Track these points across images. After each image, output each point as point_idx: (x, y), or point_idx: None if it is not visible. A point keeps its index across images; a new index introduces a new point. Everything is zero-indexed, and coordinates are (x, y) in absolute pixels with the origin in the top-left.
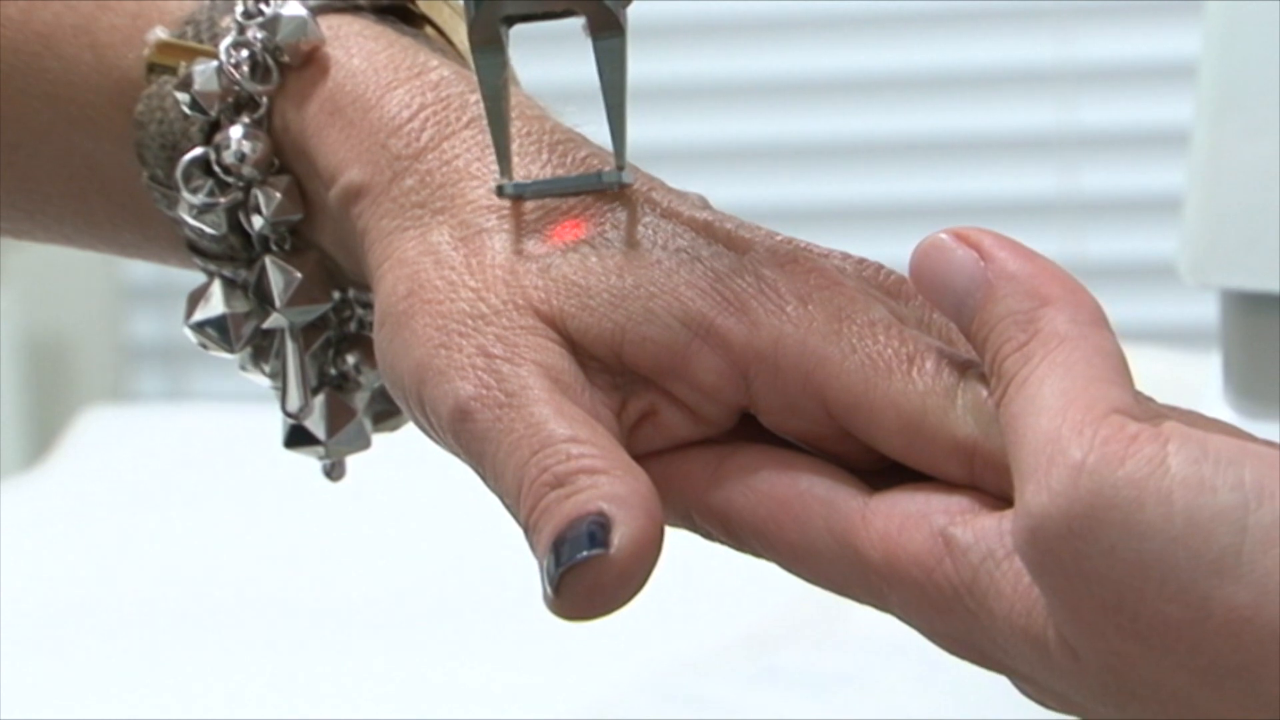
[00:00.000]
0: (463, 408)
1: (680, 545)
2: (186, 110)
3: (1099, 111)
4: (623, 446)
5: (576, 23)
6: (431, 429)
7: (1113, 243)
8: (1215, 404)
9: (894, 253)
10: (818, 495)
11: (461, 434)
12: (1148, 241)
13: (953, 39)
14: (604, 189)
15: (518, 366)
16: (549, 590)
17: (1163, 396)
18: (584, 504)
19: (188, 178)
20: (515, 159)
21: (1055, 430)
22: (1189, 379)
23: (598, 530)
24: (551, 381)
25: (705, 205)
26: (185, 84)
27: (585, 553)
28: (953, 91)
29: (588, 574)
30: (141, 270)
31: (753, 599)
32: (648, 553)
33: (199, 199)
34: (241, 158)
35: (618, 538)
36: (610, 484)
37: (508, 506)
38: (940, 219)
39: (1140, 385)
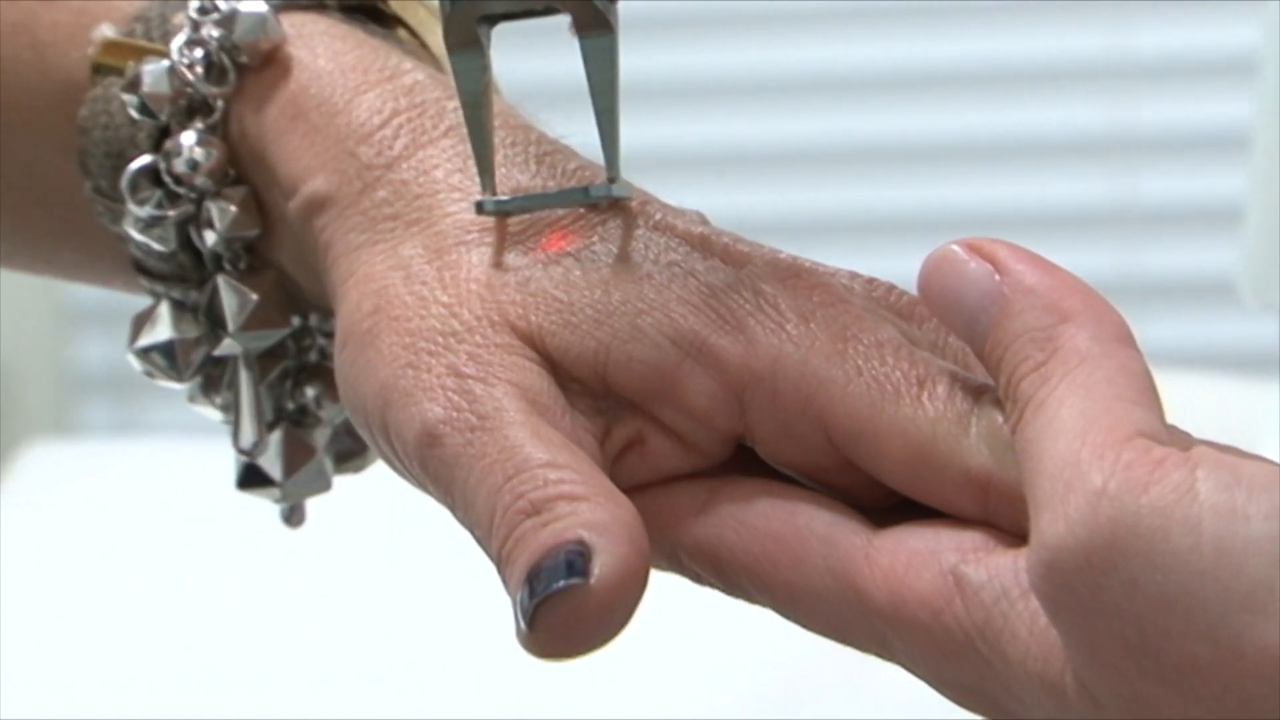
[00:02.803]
0: (431, 431)
1: (680, 594)
2: (134, 114)
3: (1154, 111)
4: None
5: (562, 19)
6: (396, 457)
7: (1166, 257)
8: (1276, 435)
9: (915, 271)
10: (817, 532)
11: (429, 460)
12: (1204, 256)
13: (988, 30)
14: (593, 204)
15: (491, 387)
16: (522, 624)
17: (1219, 426)
18: (562, 532)
19: (134, 188)
20: (498, 172)
21: (1074, 454)
22: (1247, 408)
23: (576, 559)
24: (528, 403)
25: (703, 221)
26: (133, 86)
27: (562, 582)
28: (987, 89)
29: (564, 605)
30: (87, 293)
31: (760, 654)
32: (631, 584)
33: (146, 211)
34: (194, 166)
35: (598, 567)
36: (591, 511)
37: (479, 539)
38: (971, 232)
39: (1194, 414)
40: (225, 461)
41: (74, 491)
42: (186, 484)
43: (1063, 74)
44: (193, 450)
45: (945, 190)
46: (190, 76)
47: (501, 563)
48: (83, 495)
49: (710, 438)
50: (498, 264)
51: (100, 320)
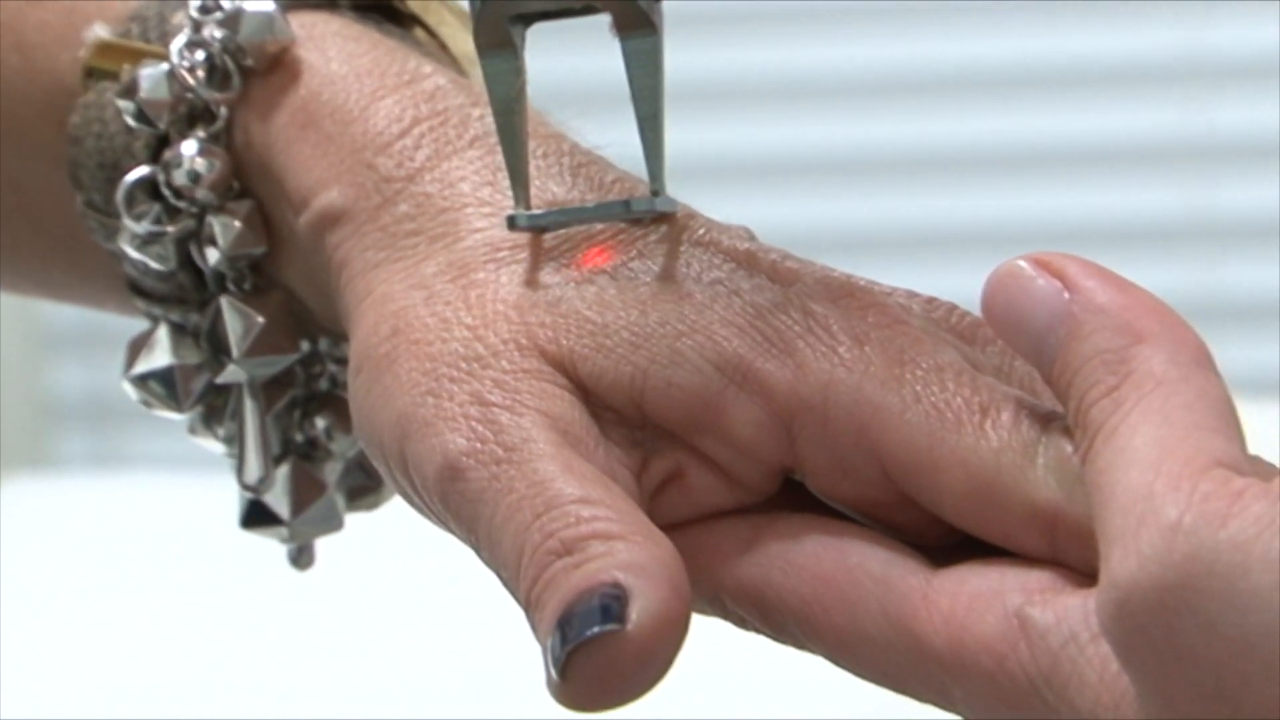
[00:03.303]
0: (453, 464)
1: (723, 639)
2: (130, 122)
3: (1232, 114)
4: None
5: (601, 19)
6: (415, 493)
7: (1247, 273)
8: None
9: (979, 290)
10: (871, 572)
11: (451, 496)
12: None
13: (1053, 29)
14: (633, 218)
15: (519, 416)
16: (553, 674)
17: None
18: (596, 574)
19: (130, 202)
20: (533, 185)
21: (1147, 486)
22: None
23: (612, 604)
24: (559, 434)
25: (750, 237)
26: (129, 91)
27: (597, 628)
28: (1055, 91)
29: (599, 653)
30: (66, 315)
31: (811, 705)
32: (671, 631)
33: (143, 227)
34: (195, 178)
35: (636, 612)
36: (628, 551)
37: (505, 582)
38: (1038, 246)
39: (1277, 443)
40: (217, 497)
41: (52, 529)
42: (173, 521)
43: (1134, 75)
44: (180, 485)
45: (1011, 201)
46: (191, 81)
47: (530, 607)
48: (61, 533)
49: (756, 470)
50: (528, 283)
51: (79, 345)
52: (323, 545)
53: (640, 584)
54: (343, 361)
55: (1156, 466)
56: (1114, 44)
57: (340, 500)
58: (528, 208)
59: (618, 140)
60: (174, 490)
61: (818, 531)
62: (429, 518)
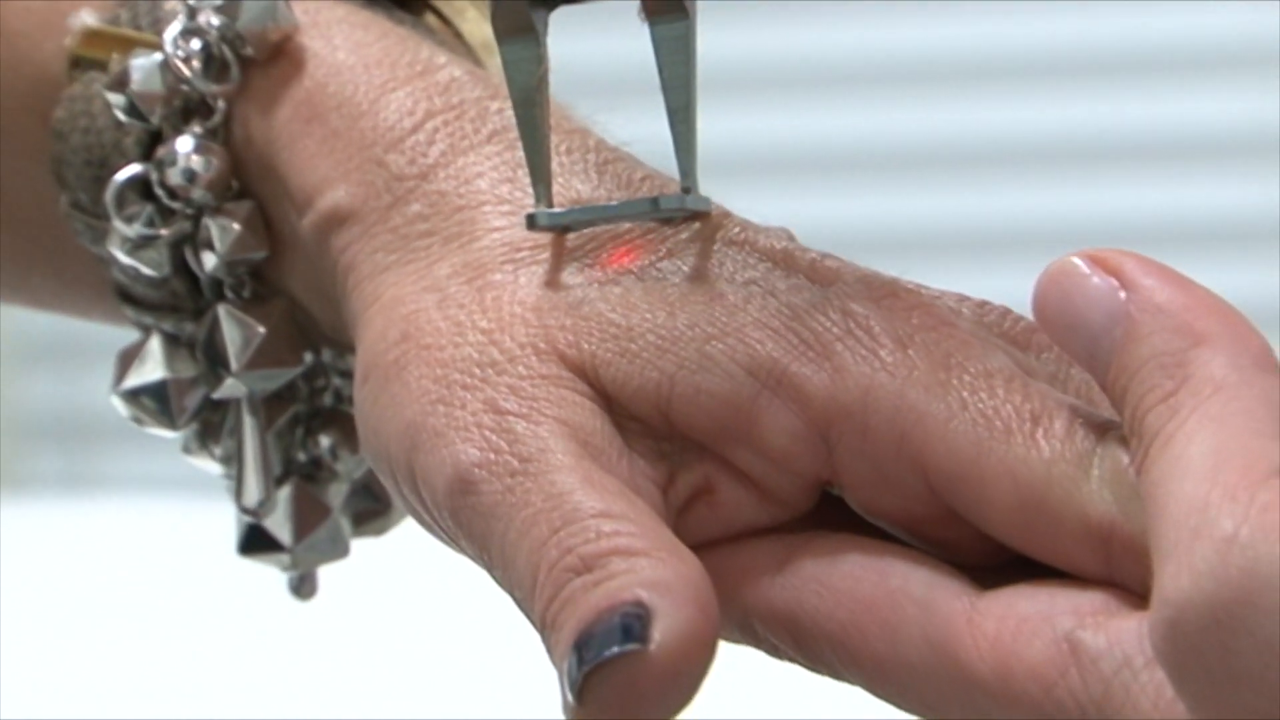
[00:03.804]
0: (464, 476)
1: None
2: (120, 116)
3: None
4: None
5: (629, 3)
6: (425, 509)
7: None
8: None
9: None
10: (912, 595)
11: (462, 510)
12: None
13: (1126, 6)
14: (662, 217)
15: (536, 425)
16: (569, 698)
17: None
18: (616, 592)
19: (120, 203)
20: (554, 182)
21: (1202, 497)
22: None
23: (634, 623)
24: (579, 444)
25: (789, 238)
26: (119, 83)
27: (616, 648)
28: (1125, 77)
29: (619, 675)
30: (36, 324)
31: None
32: (698, 652)
33: (134, 230)
34: (191, 177)
35: (659, 631)
36: (652, 568)
37: (519, 603)
38: (1101, 246)
39: None
40: (205, 522)
41: (18, 557)
42: (155, 549)
43: (1218, 58)
44: (163, 509)
45: (1074, 197)
46: (186, 72)
47: (546, 628)
48: (31, 559)
49: (790, 484)
50: (548, 285)
51: (51, 358)
52: (326, 573)
53: (665, 603)
54: (348, 375)
55: (1212, 476)
56: (1187, 27)
57: (346, 525)
58: (549, 206)
59: (647, 135)
60: (156, 515)
61: (856, 551)
62: (439, 536)
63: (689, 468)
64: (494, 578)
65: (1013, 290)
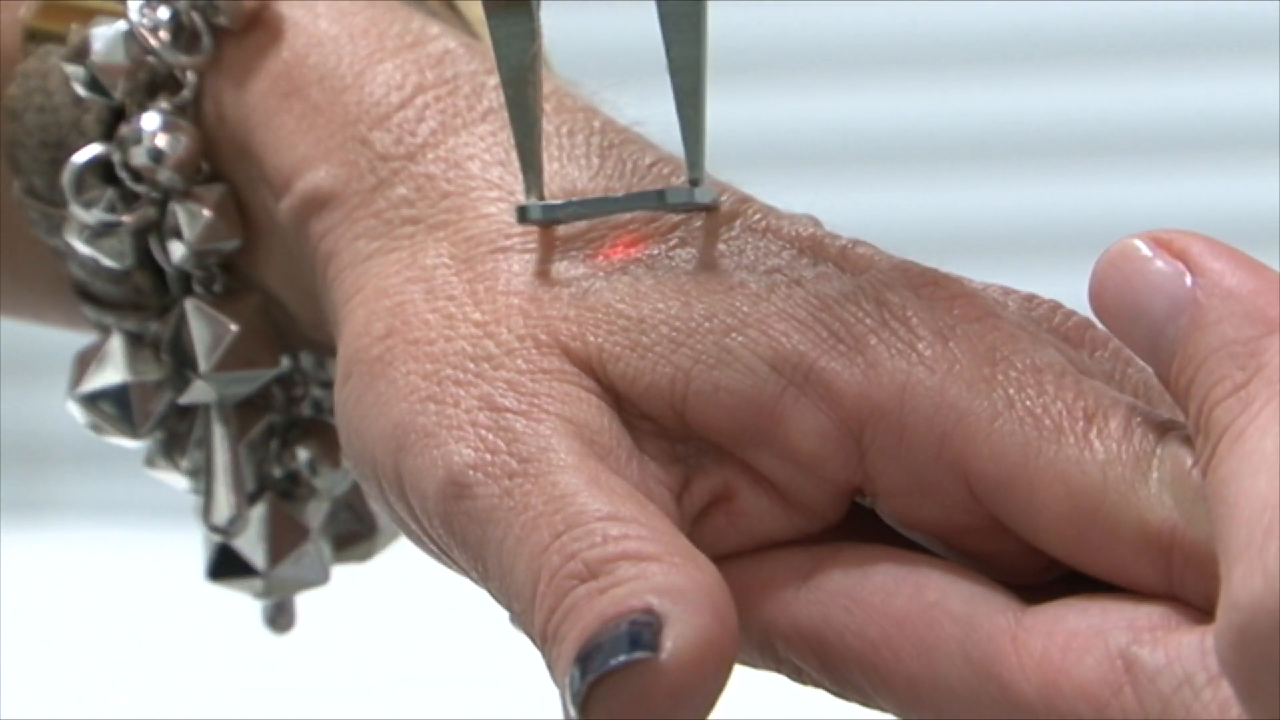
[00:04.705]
0: (458, 479)
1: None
2: (80, 91)
3: None
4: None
5: None
6: (414, 519)
7: None
8: None
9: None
10: (951, 611)
11: (455, 516)
12: None
13: None
14: (669, 211)
15: (536, 423)
16: (573, 712)
17: None
18: (624, 599)
19: (79, 187)
20: (549, 168)
21: (1277, 495)
22: None
23: (643, 630)
24: (583, 444)
25: (815, 224)
26: (79, 54)
27: (624, 657)
28: (1191, 60)
29: (627, 686)
30: None
31: None
32: (714, 662)
33: (94, 217)
34: (157, 158)
35: (671, 639)
36: (663, 573)
37: (517, 616)
38: None
39: None
40: (171, 551)
41: None
42: (116, 579)
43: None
44: (117, 536)
45: (1133, 187)
46: (153, 42)
47: (547, 641)
48: None
49: (818, 491)
50: (546, 274)
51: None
52: (304, 602)
53: (678, 610)
54: (328, 384)
55: None
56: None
57: (326, 548)
58: (540, 196)
59: (660, 114)
60: (116, 543)
61: (889, 562)
62: (430, 551)
63: (706, 472)
64: (490, 591)
65: (1062, 291)
